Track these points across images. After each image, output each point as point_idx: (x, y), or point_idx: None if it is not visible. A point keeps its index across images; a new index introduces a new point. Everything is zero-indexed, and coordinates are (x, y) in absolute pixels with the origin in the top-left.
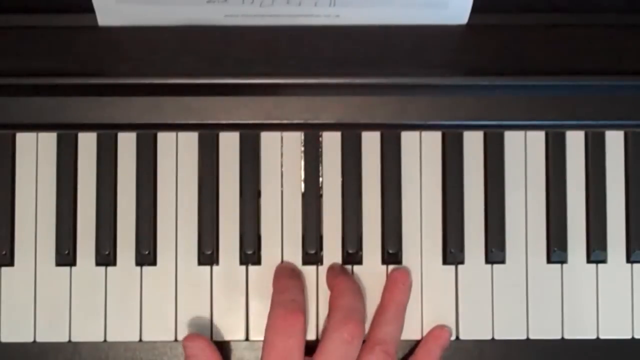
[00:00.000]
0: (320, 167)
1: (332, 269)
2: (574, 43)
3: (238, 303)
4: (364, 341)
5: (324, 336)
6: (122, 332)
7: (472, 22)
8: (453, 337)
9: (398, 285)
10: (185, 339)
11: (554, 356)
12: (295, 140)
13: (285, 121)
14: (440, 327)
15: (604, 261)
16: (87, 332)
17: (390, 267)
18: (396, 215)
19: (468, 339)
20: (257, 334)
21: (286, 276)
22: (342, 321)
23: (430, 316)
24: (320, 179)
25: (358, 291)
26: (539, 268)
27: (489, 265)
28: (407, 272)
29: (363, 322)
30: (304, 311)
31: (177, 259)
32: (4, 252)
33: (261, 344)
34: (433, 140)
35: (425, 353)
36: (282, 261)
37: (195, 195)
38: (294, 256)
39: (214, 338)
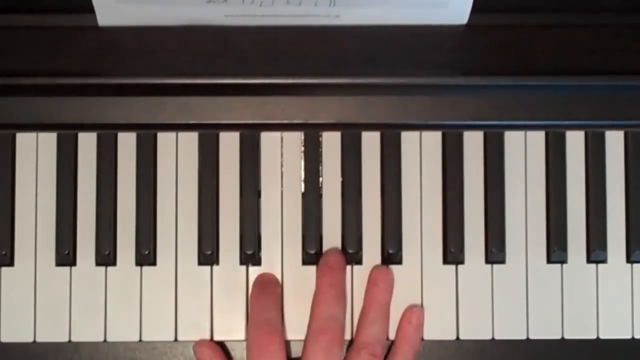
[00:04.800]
0: (320, 167)
1: (325, 262)
2: (574, 43)
3: (238, 303)
4: (350, 344)
5: (304, 346)
6: (122, 332)
7: (472, 22)
8: (453, 337)
9: (378, 285)
10: (195, 344)
11: (554, 356)
12: (295, 140)
13: (285, 121)
14: (410, 309)
15: (604, 261)
16: (87, 332)
17: (391, 267)
18: (396, 215)
19: (468, 339)
20: None
21: (261, 293)
22: (319, 330)
23: (430, 316)
24: (320, 179)
25: (337, 296)
26: (539, 268)
27: (489, 265)
28: (386, 271)
29: (341, 328)
30: (278, 329)
31: (177, 259)
32: (4, 252)
33: None
34: (433, 140)
35: (403, 339)
36: (282, 261)
37: (195, 195)
38: (294, 256)
39: (214, 338)
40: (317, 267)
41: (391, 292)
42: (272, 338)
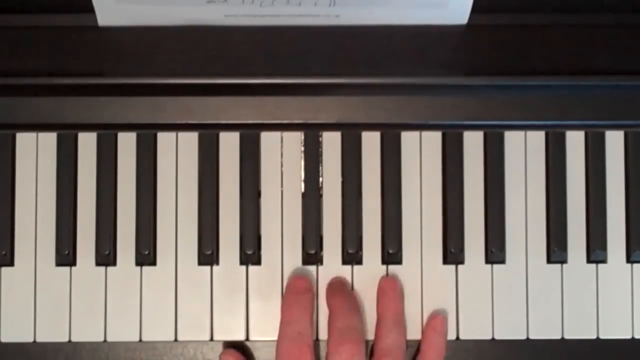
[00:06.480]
0: (320, 167)
1: (330, 286)
2: (574, 43)
3: (238, 303)
4: (372, 354)
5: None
6: (122, 332)
7: (472, 22)
8: (453, 337)
9: (388, 294)
10: (221, 354)
11: (554, 356)
12: (295, 140)
13: (285, 121)
14: (434, 316)
15: (604, 261)
16: (87, 332)
17: (391, 267)
18: (396, 215)
19: (468, 339)
20: (257, 334)
21: (294, 303)
22: (339, 342)
23: None
24: (320, 179)
25: (352, 308)
26: (539, 268)
27: (489, 265)
28: (394, 281)
29: (360, 338)
30: (309, 343)
31: (177, 259)
32: (4, 252)
33: (261, 344)
34: (433, 140)
35: (429, 346)
36: (282, 261)
37: (195, 195)
38: (294, 256)
39: (214, 338)
40: (326, 294)
41: (402, 300)
42: (303, 352)
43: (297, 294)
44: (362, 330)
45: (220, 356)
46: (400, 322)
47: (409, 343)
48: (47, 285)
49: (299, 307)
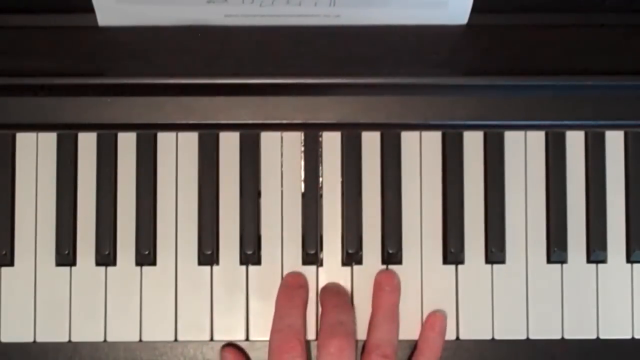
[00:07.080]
0: (320, 167)
1: (324, 287)
2: (574, 43)
3: (238, 303)
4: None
5: (317, 355)
6: (122, 332)
7: (472, 22)
8: (453, 337)
9: (384, 289)
10: (222, 348)
11: (554, 356)
12: (295, 140)
13: (285, 121)
14: (433, 315)
15: (604, 261)
16: (87, 332)
17: (391, 267)
18: (396, 215)
19: (468, 339)
20: (257, 334)
21: (286, 297)
22: (327, 337)
23: None
24: (320, 179)
25: (343, 305)
26: (539, 268)
27: (489, 265)
28: (391, 275)
29: (350, 333)
30: (300, 337)
31: (177, 259)
32: (4, 252)
33: (261, 344)
34: (433, 140)
35: (426, 345)
36: (282, 261)
37: (195, 195)
38: (294, 256)
39: (214, 338)
40: (319, 295)
41: (398, 295)
42: (293, 344)
43: (290, 289)
44: (352, 325)
45: (221, 352)
46: (393, 316)
47: (408, 343)
48: (47, 285)
49: (291, 302)
